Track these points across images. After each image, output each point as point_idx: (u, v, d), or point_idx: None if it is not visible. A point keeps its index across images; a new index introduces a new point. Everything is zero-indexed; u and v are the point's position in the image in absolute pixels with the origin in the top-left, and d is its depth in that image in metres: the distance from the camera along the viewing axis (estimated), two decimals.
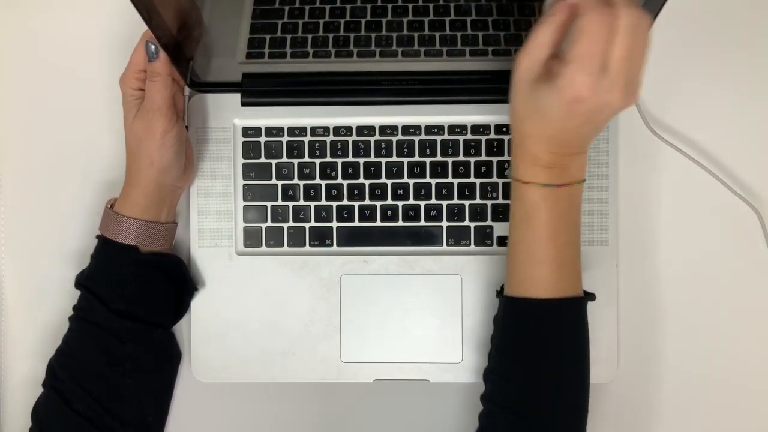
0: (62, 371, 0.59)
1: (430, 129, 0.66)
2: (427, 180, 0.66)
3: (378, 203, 0.66)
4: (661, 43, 0.66)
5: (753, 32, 0.67)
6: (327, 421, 0.67)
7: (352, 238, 0.66)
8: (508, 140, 0.65)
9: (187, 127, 0.65)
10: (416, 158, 0.66)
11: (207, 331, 0.66)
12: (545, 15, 0.49)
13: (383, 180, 0.66)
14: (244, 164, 0.66)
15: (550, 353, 0.55)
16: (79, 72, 0.69)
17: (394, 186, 0.66)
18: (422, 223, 0.66)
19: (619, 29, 0.45)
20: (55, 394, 0.59)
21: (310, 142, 0.66)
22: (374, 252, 0.66)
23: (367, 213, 0.66)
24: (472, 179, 0.66)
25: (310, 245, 0.66)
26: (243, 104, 0.66)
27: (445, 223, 0.66)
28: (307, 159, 0.66)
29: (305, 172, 0.66)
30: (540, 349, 0.55)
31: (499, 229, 0.66)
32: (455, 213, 0.66)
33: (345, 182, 0.66)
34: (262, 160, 0.66)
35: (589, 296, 0.57)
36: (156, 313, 0.63)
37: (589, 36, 0.45)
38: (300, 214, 0.66)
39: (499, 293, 0.59)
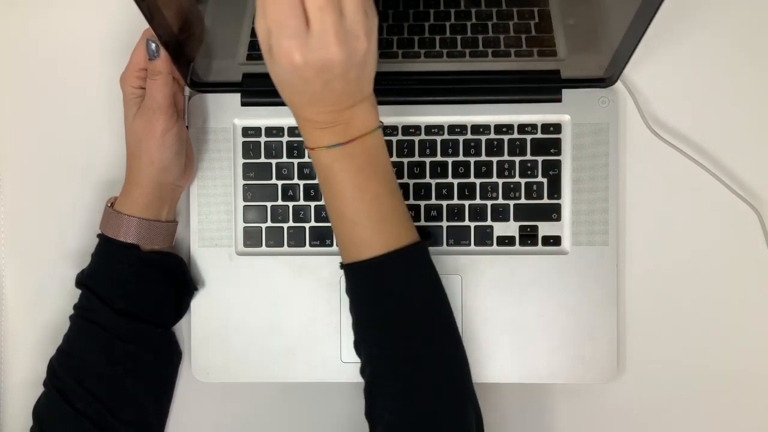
0: (63, 370, 0.59)
1: (430, 129, 0.66)
2: (427, 180, 0.66)
3: None
4: (661, 43, 0.66)
5: (753, 32, 0.67)
6: (327, 421, 0.67)
7: None
8: (509, 140, 0.66)
9: (187, 126, 0.66)
10: (416, 158, 0.66)
11: (207, 331, 0.66)
12: None
13: None
14: (244, 164, 0.67)
15: (394, 312, 0.54)
16: (79, 71, 0.69)
17: None
18: (422, 223, 0.66)
19: None
20: (56, 393, 0.59)
21: None
22: None
23: None
24: (472, 179, 0.66)
25: (310, 245, 0.66)
26: (243, 104, 0.66)
27: (445, 223, 0.66)
28: (307, 159, 0.66)
29: (305, 172, 0.66)
30: (387, 306, 0.54)
31: (499, 229, 0.66)
32: (455, 213, 0.66)
33: None
34: (262, 160, 0.66)
35: (420, 244, 0.55)
36: (156, 313, 0.62)
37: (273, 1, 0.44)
38: (300, 214, 0.66)
39: (342, 265, 0.57)
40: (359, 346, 0.56)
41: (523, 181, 0.65)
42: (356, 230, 0.53)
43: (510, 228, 0.66)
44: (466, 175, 0.66)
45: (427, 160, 0.66)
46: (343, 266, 0.56)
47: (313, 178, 0.66)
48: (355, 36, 0.45)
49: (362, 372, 0.55)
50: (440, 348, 0.54)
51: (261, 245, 0.66)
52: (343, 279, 0.64)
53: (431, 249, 0.65)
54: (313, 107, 0.50)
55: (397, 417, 0.52)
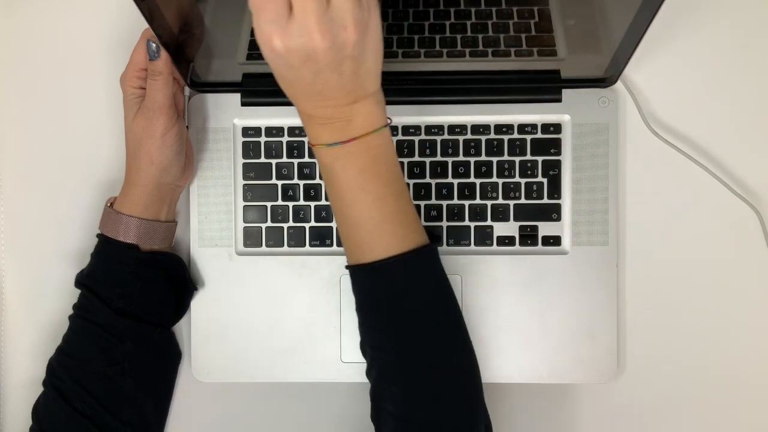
0: (62, 370, 0.59)
1: (430, 129, 0.66)
2: (427, 180, 0.66)
3: None
4: (661, 43, 0.66)
5: (753, 32, 0.67)
6: (327, 421, 0.67)
7: None
8: (509, 140, 0.66)
9: (187, 126, 0.66)
10: (416, 158, 0.66)
11: (207, 331, 0.66)
12: None
13: None
14: (244, 164, 0.67)
15: (397, 317, 0.52)
16: (79, 71, 0.69)
17: None
18: (422, 223, 0.66)
19: None
20: (55, 393, 0.59)
21: None
22: None
23: None
24: (472, 179, 0.66)
25: (310, 245, 0.66)
26: (243, 104, 0.66)
27: (445, 223, 0.66)
28: (307, 159, 0.66)
29: (305, 172, 0.66)
30: (387, 313, 0.52)
31: (499, 229, 0.66)
32: (455, 213, 0.66)
33: None
34: (262, 160, 0.66)
35: (424, 249, 0.53)
36: (156, 313, 0.62)
37: None
38: (300, 214, 0.66)
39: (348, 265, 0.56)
40: (365, 348, 0.55)
41: (523, 181, 0.65)
42: (358, 232, 0.52)
43: (510, 228, 0.66)
44: (466, 175, 0.66)
45: (427, 160, 0.66)
46: (347, 267, 0.55)
47: (313, 178, 0.66)
48: (342, 25, 0.44)
49: (368, 374, 0.55)
50: (447, 356, 0.53)
51: (261, 245, 0.66)
52: (344, 279, 0.65)
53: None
54: (310, 100, 0.48)
55: (402, 425, 0.51)
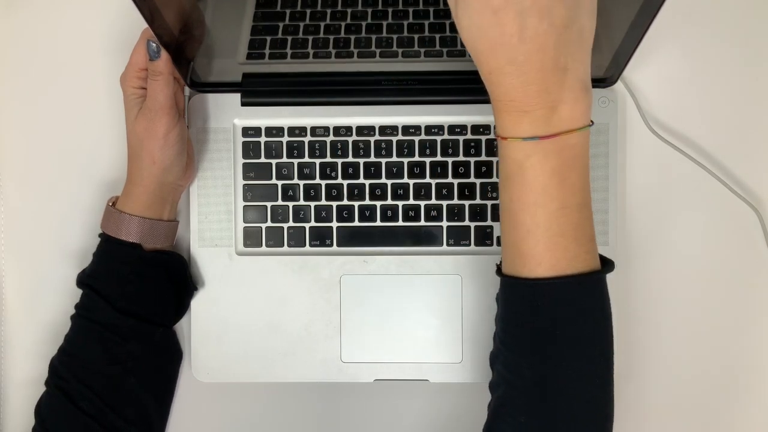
0: (65, 370, 0.59)
1: (430, 129, 0.66)
2: (427, 180, 0.66)
3: (378, 203, 0.66)
4: (662, 43, 0.66)
5: (753, 32, 0.67)
6: (327, 421, 0.67)
7: (352, 238, 0.66)
8: None
9: (187, 126, 0.66)
10: (416, 158, 0.66)
11: (207, 331, 0.66)
12: None
13: (383, 180, 0.66)
14: (244, 164, 0.67)
15: (547, 343, 0.47)
16: (80, 71, 0.69)
17: (394, 186, 0.66)
18: (422, 223, 0.66)
19: None
20: (58, 392, 0.59)
21: (310, 142, 0.66)
22: (374, 252, 0.66)
23: (367, 213, 0.66)
24: (472, 179, 0.66)
25: (310, 245, 0.66)
26: (243, 104, 0.66)
27: (445, 223, 0.66)
28: (307, 159, 0.66)
29: (305, 172, 0.66)
30: (545, 335, 0.47)
31: (499, 229, 0.65)
32: (455, 213, 0.66)
33: (345, 182, 0.66)
34: (262, 160, 0.66)
35: (598, 273, 0.47)
36: (158, 312, 0.63)
37: None
38: (300, 214, 0.66)
39: (499, 268, 0.52)
40: (495, 361, 0.50)
41: None
42: (528, 240, 0.46)
43: None
44: (466, 175, 0.66)
45: (427, 160, 0.66)
46: (500, 274, 0.50)
47: (313, 179, 0.66)
48: None
49: (491, 387, 0.51)
50: (591, 405, 0.47)
51: (261, 245, 0.66)
52: (344, 279, 0.65)
53: (431, 249, 0.65)
54: (514, 74, 0.42)
55: None
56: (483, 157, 0.66)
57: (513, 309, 0.49)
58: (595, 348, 0.47)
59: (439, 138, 0.66)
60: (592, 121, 0.44)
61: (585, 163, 0.45)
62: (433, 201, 0.66)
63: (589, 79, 0.44)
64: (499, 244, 0.65)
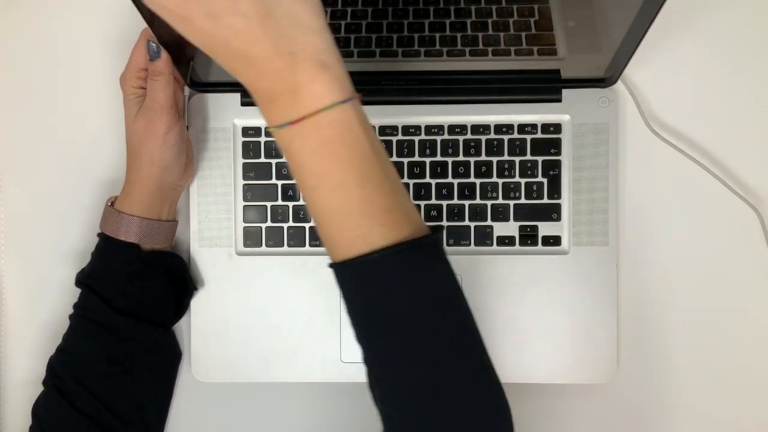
0: (62, 369, 0.59)
1: (430, 129, 0.66)
2: (427, 180, 0.66)
3: None
4: (662, 43, 0.66)
5: (753, 32, 0.67)
6: (327, 421, 0.67)
7: None
8: (508, 140, 0.65)
9: (187, 126, 0.65)
10: (416, 158, 0.66)
11: (207, 331, 0.66)
12: None
13: None
14: (244, 164, 0.67)
15: (394, 314, 0.44)
16: (79, 71, 0.69)
17: None
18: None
19: None
20: (55, 392, 0.59)
21: None
22: None
23: None
24: (472, 179, 0.66)
25: (310, 245, 0.66)
26: (243, 104, 0.66)
27: (445, 223, 0.66)
28: None
29: None
30: (379, 313, 0.44)
31: (499, 229, 0.66)
32: (455, 213, 0.66)
33: None
34: (262, 159, 0.66)
35: (400, 246, 0.43)
36: (156, 312, 0.63)
37: None
38: (300, 214, 0.66)
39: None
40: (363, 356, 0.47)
41: (523, 181, 0.65)
42: (322, 224, 0.45)
43: (510, 228, 0.66)
44: (466, 175, 0.66)
45: (427, 160, 0.66)
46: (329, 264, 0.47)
47: None
48: None
49: (364, 362, 0.47)
50: (429, 376, 0.44)
51: (261, 245, 0.66)
52: None
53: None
54: (241, 66, 0.42)
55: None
56: (483, 157, 0.66)
57: (343, 292, 0.46)
58: (415, 327, 0.43)
59: (439, 138, 0.66)
60: (352, 95, 0.43)
61: (356, 137, 0.43)
62: (433, 201, 0.66)
63: (327, 56, 0.42)
64: (499, 244, 0.65)
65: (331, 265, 0.45)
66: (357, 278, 0.44)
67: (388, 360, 0.44)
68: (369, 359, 0.45)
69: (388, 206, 0.44)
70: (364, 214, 0.43)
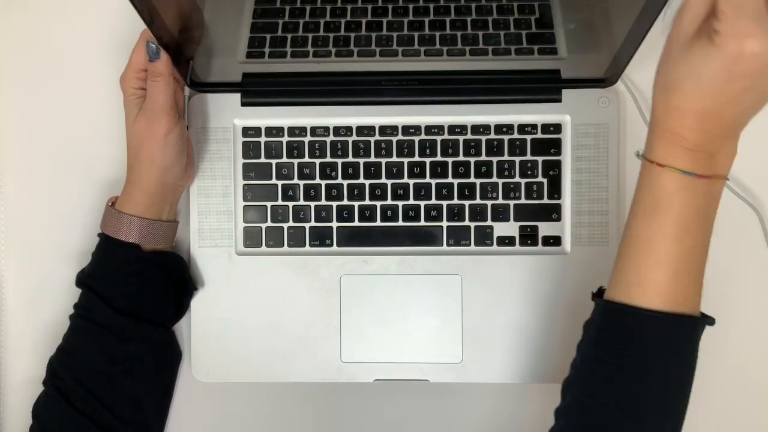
0: (63, 370, 0.59)
1: (430, 129, 0.66)
2: (427, 180, 0.66)
3: (378, 203, 0.66)
4: (662, 42, 0.66)
5: None
6: (327, 421, 0.67)
7: (352, 239, 0.66)
8: (509, 140, 0.65)
9: (187, 127, 0.65)
10: (416, 158, 0.66)
11: (207, 331, 0.66)
12: None
13: (383, 180, 0.66)
14: (244, 164, 0.66)
15: (649, 377, 0.47)
16: (79, 71, 0.69)
17: (394, 186, 0.66)
18: (422, 223, 0.66)
19: None
20: (56, 393, 0.59)
21: (310, 142, 0.66)
22: (374, 252, 0.66)
23: (367, 213, 0.66)
24: (472, 179, 0.66)
25: (310, 245, 0.66)
26: (243, 104, 0.66)
27: (445, 223, 0.66)
28: (307, 159, 0.66)
29: (305, 172, 0.66)
30: (638, 369, 0.47)
31: (499, 229, 0.66)
32: (455, 213, 0.66)
33: (345, 182, 0.66)
34: (262, 160, 0.66)
35: (707, 319, 0.49)
36: (157, 312, 0.63)
37: None
38: (300, 214, 0.66)
39: (596, 295, 0.52)
40: (571, 387, 0.50)
41: (523, 181, 0.65)
42: (655, 271, 0.47)
43: (510, 228, 0.66)
44: (466, 175, 0.66)
45: (427, 160, 0.66)
46: (604, 300, 0.49)
47: (313, 179, 0.66)
48: None
49: (560, 413, 0.50)
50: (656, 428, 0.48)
51: (261, 245, 0.66)
52: (344, 279, 0.65)
53: (431, 249, 0.65)
54: (699, 121, 0.44)
55: None
56: (483, 157, 0.65)
57: (616, 335, 0.48)
58: (686, 387, 0.48)
59: (439, 138, 0.66)
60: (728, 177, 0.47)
61: (715, 212, 0.48)
62: (433, 201, 0.66)
63: (737, 143, 0.47)
64: (499, 244, 0.65)
65: (629, 308, 0.47)
66: (657, 329, 0.47)
67: (604, 397, 0.48)
68: (579, 384, 0.49)
69: (701, 282, 0.49)
70: (696, 280, 0.48)
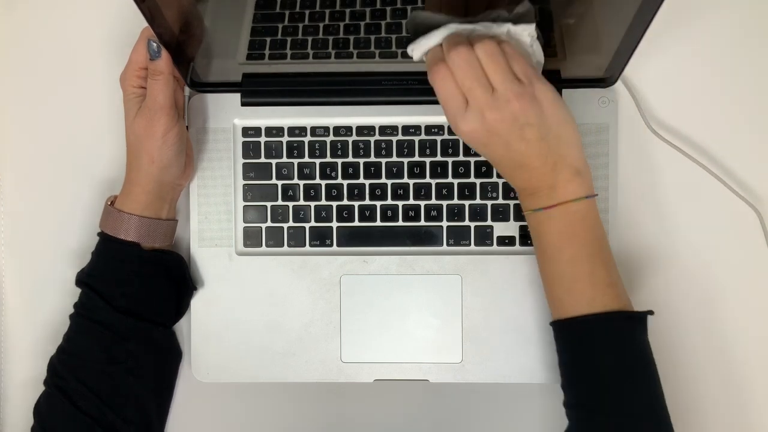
0: (64, 369, 0.59)
1: (430, 129, 0.66)
2: (427, 180, 0.66)
3: (378, 203, 0.66)
4: (661, 42, 0.66)
5: (753, 32, 0.67)
6: (327, 421, 0.67)
7: (352, 238, 0.66)
8: None
9: (187, 126, 0.66)
10: (416, 158, 0.66)
11: (207, 331, 0.66)
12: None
13: (383, 180, 0.66)
14: (244, 164, 0.67)
15: (582, 378, 0.56)
16: (79, 70, 0.69)
17: (394, 186, 0.66)
18: (422, 223, 0.66)
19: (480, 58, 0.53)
20: (57, 392, 0.59)
21: (310, 142, 0.66)
22: (374, 252, 0.66)
23: (367, 213, 0.66)
24: (472, 179, 0.66)
25: (310, 245, 0.66)
26: (243, 104, 0.66)
27: (445, 223, 0.66)
28: (307, 159, 0.66)
29: (305, 172, 0.66)
30: (574, 373, 0.57)
31: (499, 229, 0.66)
32: (455, 213, 0.66)
33: (345, 182, 0.66)
34: (262, 160, 0.66)
35: (612, 315, 0.55)
36: (157, 311, 0.63)
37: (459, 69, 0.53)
38: (300, 214, 0.66)
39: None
40: (566, 406, 0.58)
41: None
42: (554, 288, 0.57)
43: (510, 228, 0.66)
44: (466, 175, 0.66)
45: (427, 160, 0.66)
46: (550, 323, 0.59)
47: (313, 179, 0.66)
48: (506, 100, 0.53)
49: (565, 405, 0.58)
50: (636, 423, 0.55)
51: (261, 245, 0.66)
52: (344, 279, 0.65)
53: (431, 249, 0.65)
54: (517, 173, 0.57)
55: None
56: (482, 157, 0.65)
57: (558, 350, 0.58)
58: (617, 385, 0.55)
59: (439, 138, 0.66)
60: (593, 194, 0.56)
61: (592, 223, 0.56)
62: (433, 201, 0.66)
63: (579, 163, 0.56)
64: (498, 243, 0.66)
65: (553, 323, 0.58)
66: (574, 334, 0.56)
67: (590, 406, 0.55)
68: (572, 402, 0.57)
69: (609, 281, 0.56)
70: (590, 283, 0.55)
